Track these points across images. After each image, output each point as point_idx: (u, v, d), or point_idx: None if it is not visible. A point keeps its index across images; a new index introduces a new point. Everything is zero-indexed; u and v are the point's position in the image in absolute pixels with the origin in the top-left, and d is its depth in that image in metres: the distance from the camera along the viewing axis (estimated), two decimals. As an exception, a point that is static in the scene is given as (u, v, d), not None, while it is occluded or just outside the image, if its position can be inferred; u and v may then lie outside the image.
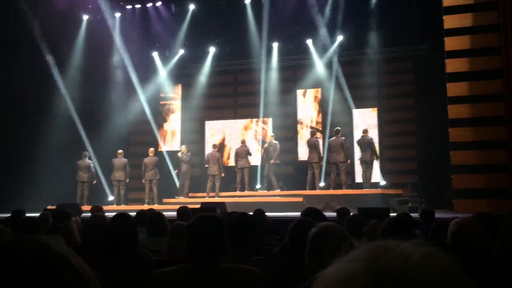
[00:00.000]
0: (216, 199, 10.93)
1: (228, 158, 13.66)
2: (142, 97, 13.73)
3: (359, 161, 11.00)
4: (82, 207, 9.67)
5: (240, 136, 13.31)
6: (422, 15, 11.53)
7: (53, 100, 12.27)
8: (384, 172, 11.99)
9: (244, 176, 11.64)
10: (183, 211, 5.28)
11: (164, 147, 13.88)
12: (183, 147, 12.30)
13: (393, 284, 0.49)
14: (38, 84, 11.80)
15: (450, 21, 9.47)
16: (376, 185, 11.04)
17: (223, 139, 14.00)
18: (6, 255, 0.60)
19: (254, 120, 13.78)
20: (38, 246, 0.62)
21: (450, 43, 9.44)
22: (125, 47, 13.25)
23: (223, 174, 11.64)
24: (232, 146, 13.42)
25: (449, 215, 6.61)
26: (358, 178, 11.67)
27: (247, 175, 11.62)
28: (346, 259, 0.54)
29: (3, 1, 10.92)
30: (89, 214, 6.08)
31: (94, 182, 11.82)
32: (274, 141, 11.78)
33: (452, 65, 9.40)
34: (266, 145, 11.75)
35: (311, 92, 13.54)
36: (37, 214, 6.02)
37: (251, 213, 4.99)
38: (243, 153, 11.75)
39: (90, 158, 11.84)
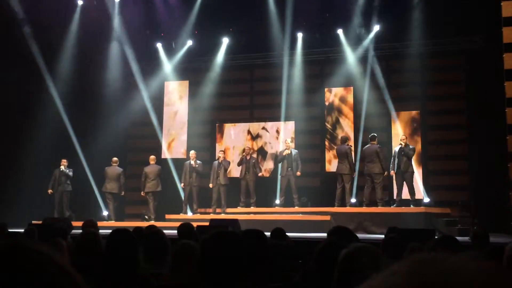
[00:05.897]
0: (228, 216, 10.93)
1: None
2: (144, 95, 13.85)
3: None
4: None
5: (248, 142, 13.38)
6: (475, 1, 11.43)
7: (40, 100, 12.43)
8: (428, 188, 11.85)
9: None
10: (185, 228, 5.16)
11: (167, 154, 13.96)
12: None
13: None
14: (24, 82, 12.00)
15: (509, 8, 9.38)
16: (419, 202, 10.92)
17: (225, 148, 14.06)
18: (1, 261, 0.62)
19: (269, 123, 13.84)
20: (37, 254, 0.64)
21: (509, 34, 9.34)
22: (125, 37, 13.40)
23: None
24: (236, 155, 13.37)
25: (507, 240, 6.51)
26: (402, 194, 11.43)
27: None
28: (387, 272, 0.54)
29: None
30: (78, 231, 6.15)
31: (70, 189, 11.96)
32: (294, 149, 11.79)
33: (511, 60, 9.30)
34: (286, 152, 11.61)
35: (341, 91, 13.50)
36: (21, 230, 6.12)
37: (268, 233, 4.99)
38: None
39: (69, 166, 11.98)
